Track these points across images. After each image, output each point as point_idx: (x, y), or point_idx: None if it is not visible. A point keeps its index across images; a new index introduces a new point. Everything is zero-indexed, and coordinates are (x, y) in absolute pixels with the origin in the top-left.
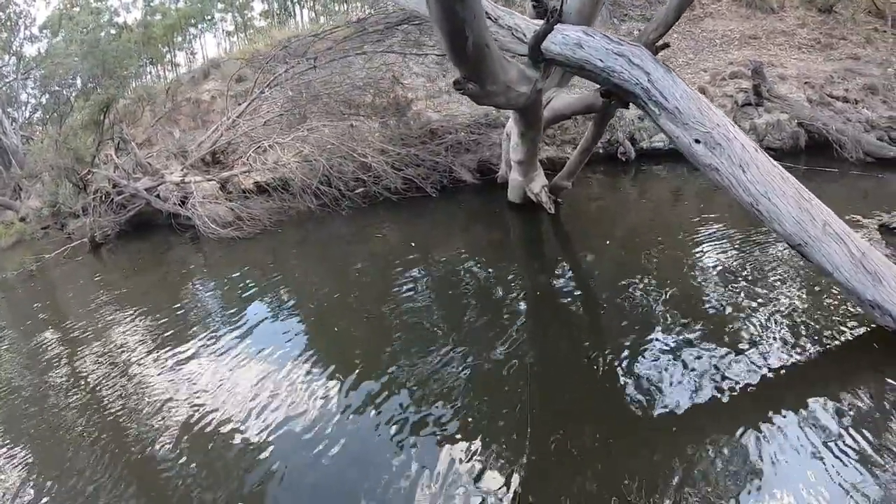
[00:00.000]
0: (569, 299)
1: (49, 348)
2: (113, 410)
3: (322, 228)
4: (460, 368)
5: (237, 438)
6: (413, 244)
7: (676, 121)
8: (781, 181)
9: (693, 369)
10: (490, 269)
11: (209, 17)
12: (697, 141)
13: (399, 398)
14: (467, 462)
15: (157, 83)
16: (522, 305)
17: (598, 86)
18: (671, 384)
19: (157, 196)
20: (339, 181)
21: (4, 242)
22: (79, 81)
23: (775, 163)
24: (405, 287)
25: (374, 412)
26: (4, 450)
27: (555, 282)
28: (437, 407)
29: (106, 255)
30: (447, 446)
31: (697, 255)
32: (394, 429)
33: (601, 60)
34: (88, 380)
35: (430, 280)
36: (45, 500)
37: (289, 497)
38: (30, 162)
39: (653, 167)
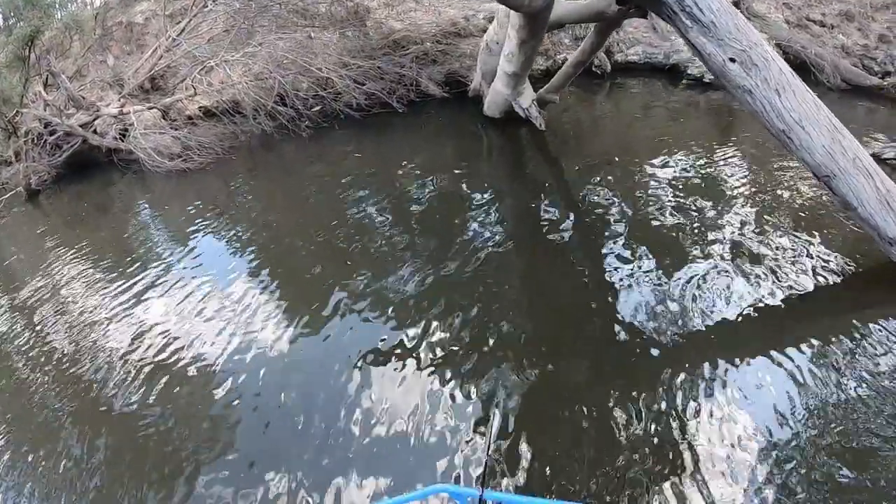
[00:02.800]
0: (552, 220)
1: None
2: (73, 362)
3: (279, 152)
4: (431, 291)
5: (198, 373)
6: (410, 164)
7: (710, 35)
8: (816, 109)
9: (680, 296)
10: (466, 187)
11: None
12: (732, 60)
13: (363, 323)
14: (443, 389)
15: (85, 10)
16: (503, 225)
17: None
18: (659, 312)
19: (94, 132)
20: (296, 99)
21: None
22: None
23: (809, 90)
24: (369, 208)
25: (335, 336)
26: None
27: (536, 201)
28: (404, 331)
29: (45, 202)
30: (417, 372)
31: (677, 174)
32: (357, 352)
33: None
34: (46, 335)
35: (401, 199)
36: (10, 459)
37: (256, 428)
38: None
39: (628, 81)
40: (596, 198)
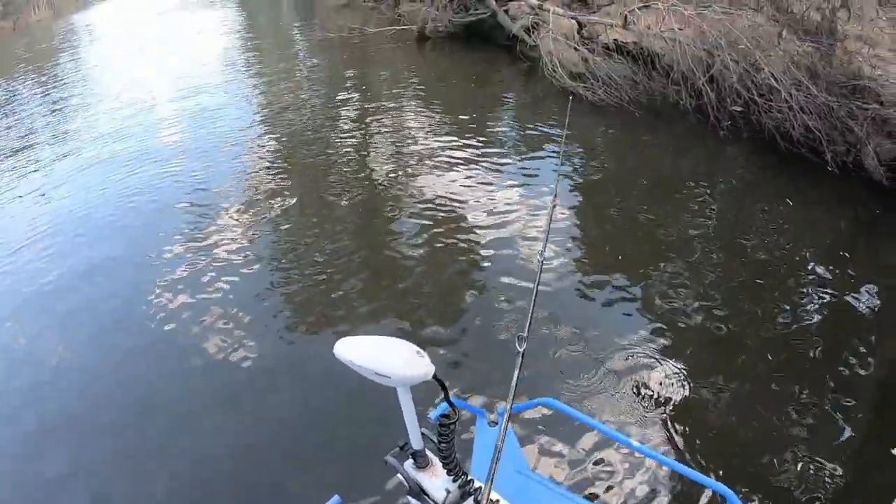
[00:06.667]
0: None
1: (346, 108)
2: (377, 173)
3: (681, 134)
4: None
5: (476, 240)
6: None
7: None
8: None
9: None
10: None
11: None
12: None
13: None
14: None
15: None
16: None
17: None
18: None
19: (506, 11)
20: (726, 90)
21: (334, 1)
22: None
23: None
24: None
25: (616, 304)
26: (277, 164)
27: None
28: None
29: (430, 50)
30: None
31: None
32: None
33: None
34: (368, 142)
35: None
36: (293, 231)
37: (478, 320)
38: None
39: None
40: None
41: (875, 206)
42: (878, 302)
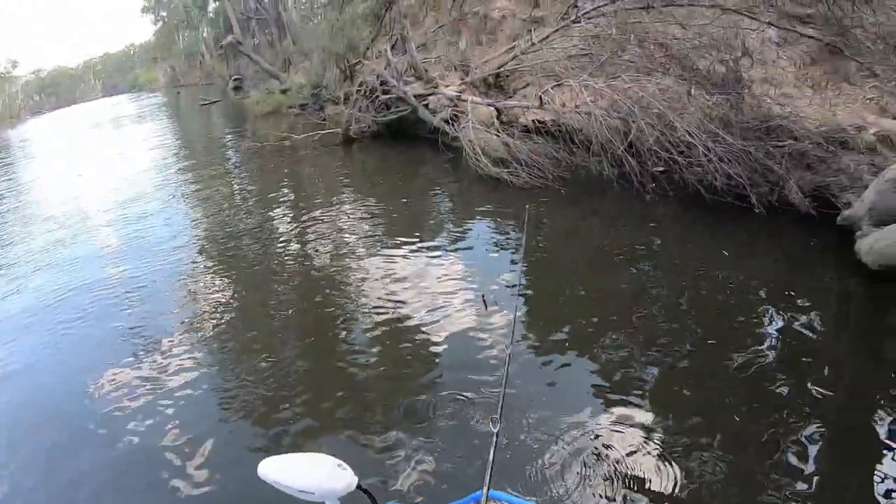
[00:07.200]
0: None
1: (279, 212)
2: (312, 273)
3: (610, 203)
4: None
5: (417, 338)
6: (735, 275)
7: None
8: None
9: None
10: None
11: None
12: None
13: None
14: None
15: None
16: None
17: None
18: None
19: (426, 106)
20: (645, 152)
21: (261, 109)
22: None
23: None
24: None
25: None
26: (210, 277)
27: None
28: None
29: (356, 151)
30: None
31: None
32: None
33: None
34: (302, 245)
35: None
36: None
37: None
38: (303, 39)
39: None
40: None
41: (808, 237)
42: (828, 328)
